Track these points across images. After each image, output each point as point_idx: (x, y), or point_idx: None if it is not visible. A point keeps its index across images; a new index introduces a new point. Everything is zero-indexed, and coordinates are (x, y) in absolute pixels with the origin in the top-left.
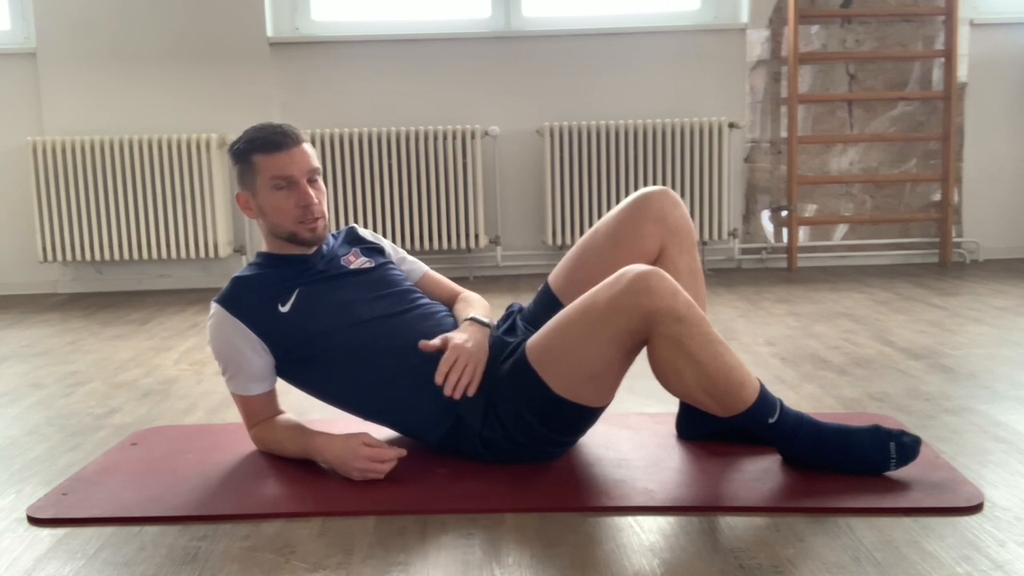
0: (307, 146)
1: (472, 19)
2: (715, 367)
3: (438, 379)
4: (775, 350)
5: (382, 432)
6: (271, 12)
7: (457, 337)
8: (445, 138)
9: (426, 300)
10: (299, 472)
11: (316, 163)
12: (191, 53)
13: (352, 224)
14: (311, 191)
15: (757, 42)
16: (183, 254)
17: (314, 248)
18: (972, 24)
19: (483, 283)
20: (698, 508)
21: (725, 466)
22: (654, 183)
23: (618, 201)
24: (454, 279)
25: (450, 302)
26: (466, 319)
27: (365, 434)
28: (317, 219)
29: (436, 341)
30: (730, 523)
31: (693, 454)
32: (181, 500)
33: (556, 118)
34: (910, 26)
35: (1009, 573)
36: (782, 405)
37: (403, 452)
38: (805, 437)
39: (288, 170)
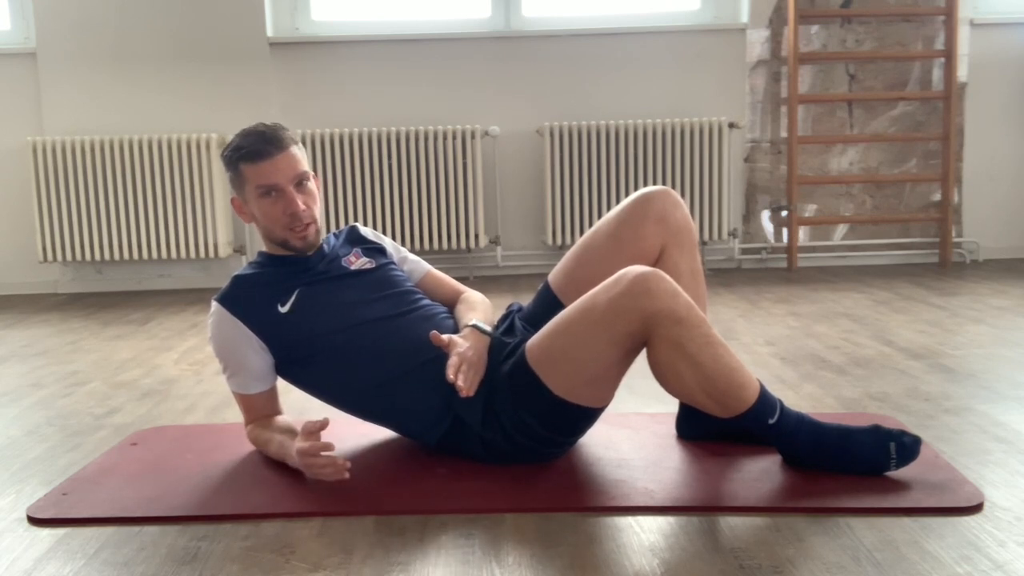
0: (295, 149)
1: (472, 19)
2: (715, 369)
3: (450, 377)
4: (775, 350)
5: (381, 433)
6: (271, 12)
7: (460, 344)
8: (445, 138)
9: (427, 302)
10: (299, 472)
11: (304, 167)
12: (191, 53)
13: (354, 223)
14: (298, 197)
15: (757, 42)
16: (183, 254)
17: (310, 252)
18: (972, 24)
19: (483, 283)
20: (698, 508)
21: (725, 466)
22: (654, 183)
23: (618, 201)
24: (454, 279)
25: (452, 302)
26: (467, 325)
27: (301, 438)
28: (307, 225)
29: (445, 338)
30: (730, 523)
31: (693, 454)
32: (181, 500)
33: (556, 118)
34: (910, 26)
35: (1009, 573)
36: (782, 406)
37: (331, 445)
38: (805, 438)
39: (273, 179)
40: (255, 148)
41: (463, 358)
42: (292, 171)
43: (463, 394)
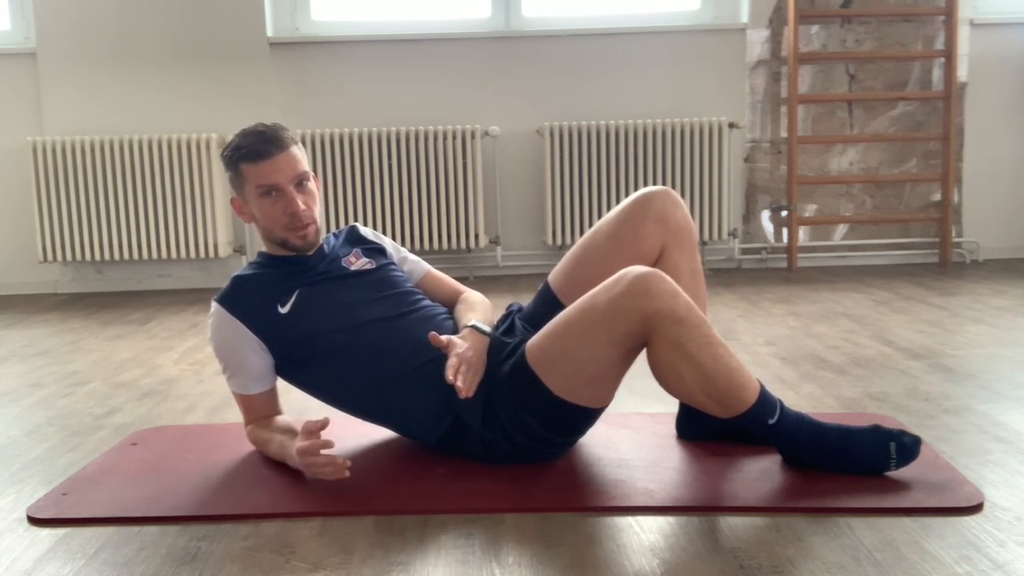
0: (295, 149)
1: (472, 19)
2: (715, 369)
3: (449, 378)
4: (775, 350)
5: (381, 433)
6: (271, 12)
7: (460, 345)
8: (445, 138)
9: (427, 302)
10: (299, 472)
11: (304, 167)
12: (191, 53)
13: (354, 223)
14: (298, 197)
15: (757, 42)
16: (183, 254)
17: (310, 252)
18: (972, 24)
19: (483, 283)
20: (698, 508)
21: (725, 466)
22: (654, 183)
23: (618, 201)
24: (454, 279)
25: (452, 302)
26: (466, 326)
27: (301, 438)
28: (307, 225)
29: (443, 339)
30: (730, 523)
31: (693, 454)
32: (181, 500)
33: (556, 118)
34: (910, 26)
35: (1009, 573)
36: (782, 406)
37: (331, 443)
38: (805, 438)
39: (273, 179)
40: (255, 148)
41: (462, 359)
42: (292, 171)
43: (462, 395)
